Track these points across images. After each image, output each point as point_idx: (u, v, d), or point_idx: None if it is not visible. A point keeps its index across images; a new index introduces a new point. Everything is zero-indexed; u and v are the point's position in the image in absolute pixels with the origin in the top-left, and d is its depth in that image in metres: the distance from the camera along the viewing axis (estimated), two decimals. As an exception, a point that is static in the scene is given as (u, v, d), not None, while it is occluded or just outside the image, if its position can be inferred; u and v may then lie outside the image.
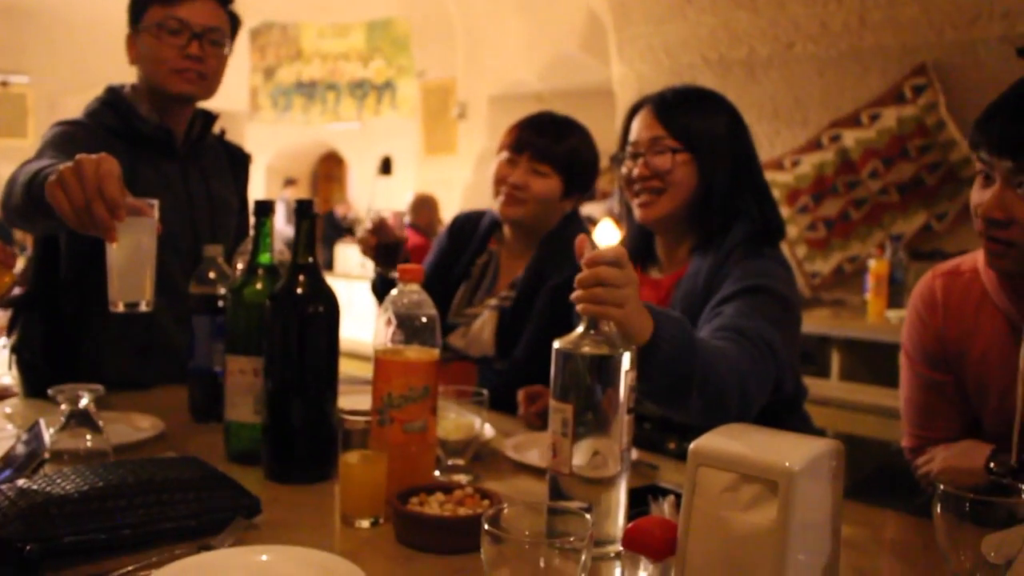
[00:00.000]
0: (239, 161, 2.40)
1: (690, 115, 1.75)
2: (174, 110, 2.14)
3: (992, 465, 1.46)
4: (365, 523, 1.27)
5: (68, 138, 1.96)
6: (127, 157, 1.93)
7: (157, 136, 2.10)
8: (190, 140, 2.20)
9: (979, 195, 1.46)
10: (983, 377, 1.57)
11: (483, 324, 2.14)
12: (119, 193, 1.34)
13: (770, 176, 5.24)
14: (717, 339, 1.51)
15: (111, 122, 2.07)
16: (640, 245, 1.89)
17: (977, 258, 1.58)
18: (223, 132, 2.39)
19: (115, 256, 1.42)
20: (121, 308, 1.44)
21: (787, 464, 0.91)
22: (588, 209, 8.54)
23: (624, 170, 1.81)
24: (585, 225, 2.23)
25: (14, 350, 2.19)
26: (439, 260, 2.29)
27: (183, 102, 2.13)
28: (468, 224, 2.32)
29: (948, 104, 4.64)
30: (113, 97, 2.13)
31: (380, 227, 2.02)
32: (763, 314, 1.58)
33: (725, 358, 1.44)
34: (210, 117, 2.27)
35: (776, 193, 5.05)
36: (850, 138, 4.96)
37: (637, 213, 1.79)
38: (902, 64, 4.80)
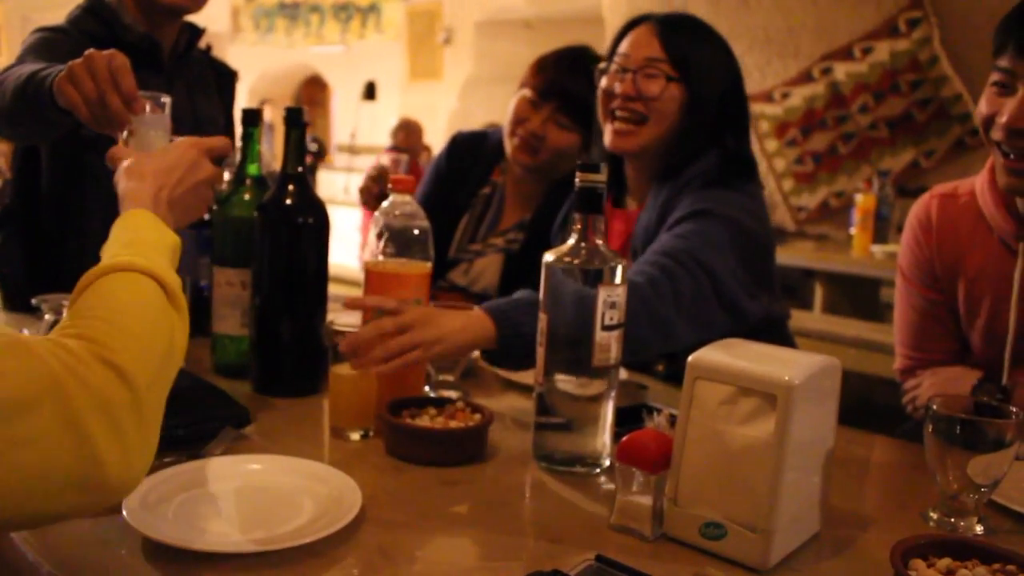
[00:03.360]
0: (226, 78, 2.34)
1: (691, 43, 1.64)
2: (162, 22, 2.07)
3: (978, 393, 1.47)
4: (355, 435, 1.27)
5: (50, 44, 1.89)
6: None
7: (142, 47, 2.04)
8: (176, 54, 2.13)
9: (992, 105, 1.40)
10: (974, 298, 1.57)
11: (487, 264, 2.09)
12: (134, 86, 1.31)
13: (759, 108, 5.23)
14: (634, 273, 1.40)
15: (94, 30, 2.00)
16: (609, 172, 1.77)
17: (976, 181, 1.56)
18: (210, 48, 2.33)
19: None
20: None
21: (787, 378, 0.90)
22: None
23: (605, 83, 1.68)
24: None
25: None
26: (438, 187, 2.16)
27: (174, 14, 2.05)
28: (469, 148, 2.18)
29: (943, 39, 4.59)
30: (96, 5, 2.05)
31: (382, 175, 1.97)
32: (705, 238, 1.48)
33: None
34: (196, 31, 2.20)
35: (765, 126, 5.05)
36: (841, 71, 4.91)
37: (609, 139, 1.67)
38: (898, -5, 4.73)
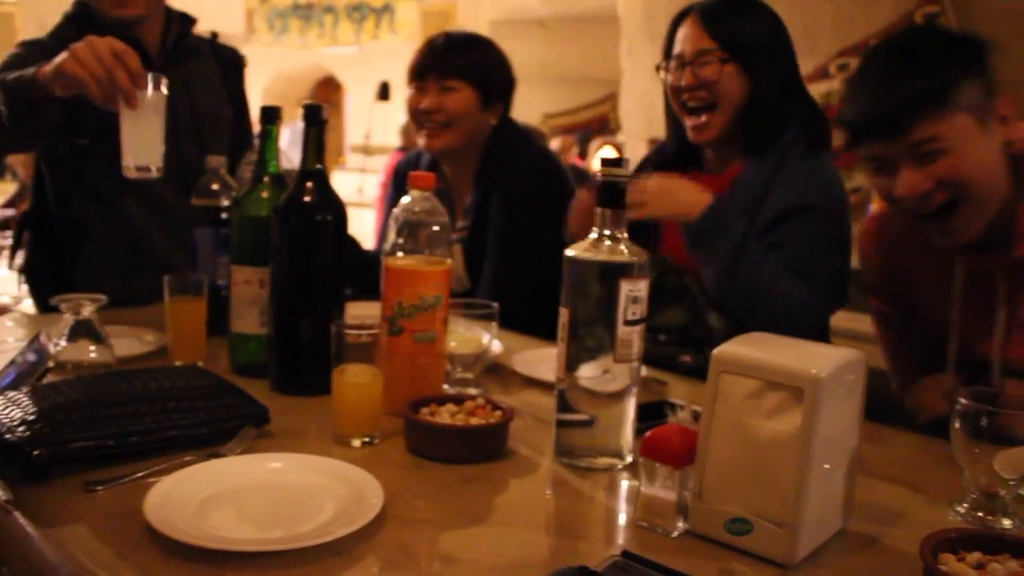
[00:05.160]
0: (230, 65, 2.30)
1: (736, 22, 1.73)
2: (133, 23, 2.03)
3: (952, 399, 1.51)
4: (358, 442, 1.23)
5: (22, 60, 1.88)
6: None
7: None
8: (165, 49, 2.12)
9: (882, 184, 1.46)
10: (923, 307, 1.63)
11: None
12: (140, 64, 1.44)
13: (776, 104, 5.17)
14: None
15: (72, 37, 1.98)
16: (684, 151, 1.86)
17: None
18: (215, 35, 2.30)
19: (129, 123, 1.53)
20: (133, 173, 1.55)
21: (813, 371, 0.89)
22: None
23: (670, 79, 1.79)
24: (521, 133, 2.17)
25: (22, 271, 2.19)
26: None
27: (127, 25, 2.00)
28: (409, 168, 2.22)
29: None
30: (78, 11, 2.06)
31: None
32: (814, 240, 1.65)
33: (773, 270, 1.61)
34: (187, 21, 2.17)
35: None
36: (858, 67, 4.89)
37: (691, 135, 1.78)
38: (915, -10, 4.70)
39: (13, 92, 1.62)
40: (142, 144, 1.54)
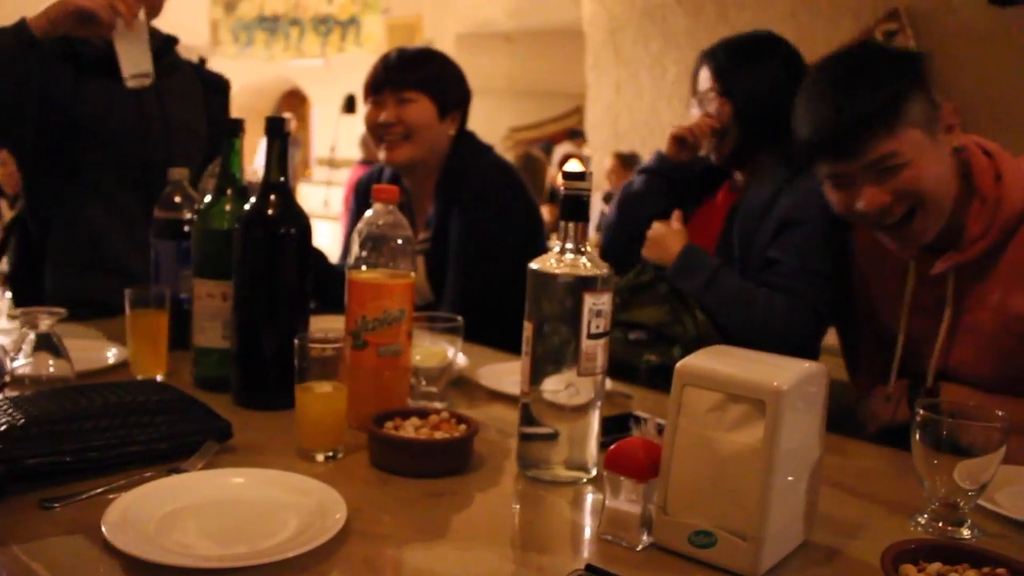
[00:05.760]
0: (216, 88, 2.35)
1: (732, 63, 1.91)
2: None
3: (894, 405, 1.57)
4: (321, 456, 1.21)
5: None
6: (71, 78, 2.04)
7: (103, 60, 2.02)
8: None
9: (843, 200, 1.51)
10: (879, 314, 1.67)
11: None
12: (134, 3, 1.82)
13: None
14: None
15: (54, 45, 1.98)
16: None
17: None
18: (203, 61, 2.36)
19: (124, 42, 1.86)
20: (132, 82, 1.87)
21: (775, 384, 0.90)
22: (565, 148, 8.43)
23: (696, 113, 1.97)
24: (480, 145, 2.19)
25: (7, 279, 2.20)
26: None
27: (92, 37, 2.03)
28: (371, 183, 2.21)
29: (919, 51, 4.63)
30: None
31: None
32: (803, 254, 1.74)
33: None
34: (170, 41, 2.21)
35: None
36: (820, 82, 4.95)
37: (715, 160, 1.97)
38: (875, 8, 4.78)
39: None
40: (136, 58, 1.86)
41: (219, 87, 2.36)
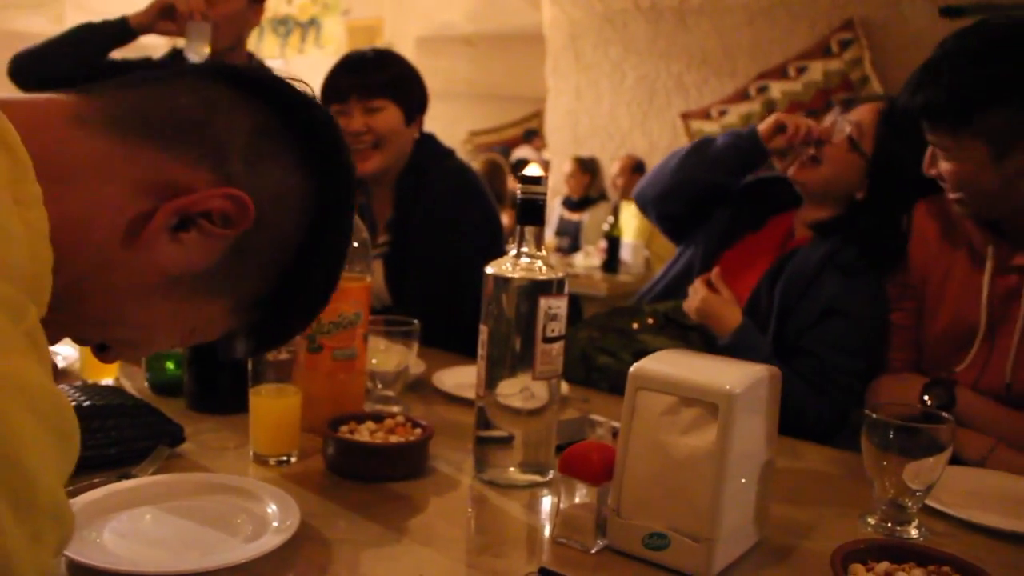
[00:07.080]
0: None
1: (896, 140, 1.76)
2: None
3: (926, 397, 1.51)
4: (273, 460, 1.21)
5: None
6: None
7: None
8: None
9: (931, 164, 1.50)
10: (938, 303, 1.62)
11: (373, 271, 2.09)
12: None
13: (697, 126, 5.29)
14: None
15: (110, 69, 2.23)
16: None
17: None
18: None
19: (194, 31, 2.36)
20: (193, 57, 2.34)
21: (727, 387, 0.91)
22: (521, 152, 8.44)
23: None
24: (441, 148, 2.18)
25: None
26: None
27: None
28: None
29: (873, 60, 4.71)
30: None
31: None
32: (840, 347, 1.67)
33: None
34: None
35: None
36: (777, 90, 5.02)
37: (793, 170, 1.83)
38: (831, 18, 4.85)
39: (78, 33, 2.41)
40: (198, 45, 2.37)
41: None
